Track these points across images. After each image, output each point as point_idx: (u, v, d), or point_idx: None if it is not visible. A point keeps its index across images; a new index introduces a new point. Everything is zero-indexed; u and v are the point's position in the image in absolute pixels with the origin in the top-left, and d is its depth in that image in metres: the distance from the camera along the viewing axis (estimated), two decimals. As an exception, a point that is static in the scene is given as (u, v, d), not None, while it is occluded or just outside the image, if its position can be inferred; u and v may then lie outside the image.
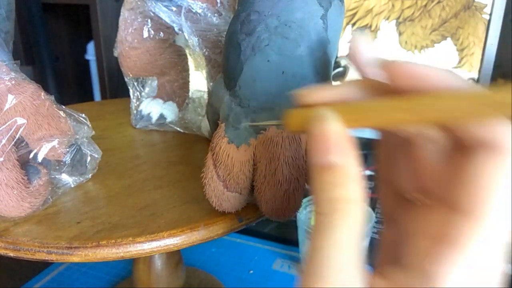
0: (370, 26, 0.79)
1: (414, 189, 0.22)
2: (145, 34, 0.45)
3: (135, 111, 0.49)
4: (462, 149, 0.19)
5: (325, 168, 0.19)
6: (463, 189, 0.18)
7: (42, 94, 0.31)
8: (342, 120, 0.19)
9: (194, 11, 0.41)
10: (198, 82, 0.48)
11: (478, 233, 0.18)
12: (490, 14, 0.72)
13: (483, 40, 0.73)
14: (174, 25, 0.41)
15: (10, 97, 0.29)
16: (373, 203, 0.71)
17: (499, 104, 0.17)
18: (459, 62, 0.75)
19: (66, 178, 0.34)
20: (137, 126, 0.49)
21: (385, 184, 0.24)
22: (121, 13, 0.45)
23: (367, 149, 0.23)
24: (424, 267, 0.18)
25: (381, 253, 0.24)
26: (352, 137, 0.19)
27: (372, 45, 0.23)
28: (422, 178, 0.21)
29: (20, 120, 0.29)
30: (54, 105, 0.32)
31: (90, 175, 0.36)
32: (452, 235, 0.18)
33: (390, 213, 0.24)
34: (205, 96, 0.46)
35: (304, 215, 0.54)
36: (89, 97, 1.28)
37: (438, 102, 0.17)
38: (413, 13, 0.75)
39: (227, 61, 0.27)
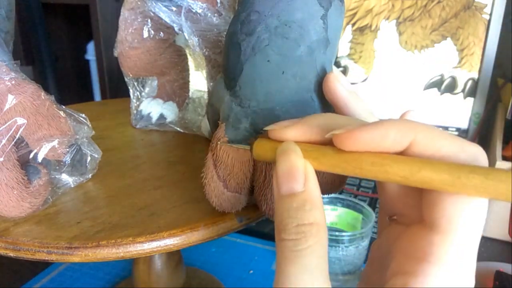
0: (370, 26, 0.79)
1: (390, 211, 0.23)
2: (145, 34, 0.45)
3: (135, 111, 0.49)
4: None
5: (290, 196, 0.20)
6: (435, 209, 0.19)
7: (42, 94, 0.31)
8: (308, 159, 0.21)
9: (194, 11, 0.41)
10: (198, 82, 0.48)
11: (455, 249, 0.19)
12: (490, 14, 0.72)
13: (483, 40, 0.73)
14: (174, 25, 0.41)
15: (10, 97, 0.29)
16: (373, 203, 0.71)
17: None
18: (459, 62, 0.75)
19: (66, 178, 0.34)
20: (137, 126, 0.49)
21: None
22: (121, 13, 0.45)
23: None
24: (405, 284, 0.19)
25: (368, 264, 0.24)
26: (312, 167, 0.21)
27: (345, 82, 0.25)
28: (393, 202, 0.22)
29: (20, 120, 0.29)
30: (54, 105, 0.32)
31: (90, 175, 0.36)
32: (432, 253, 0.19)
33: (380, 228, 0.25)
34: (205, 96, 0.46)
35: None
36: (89, 97, 1.28)
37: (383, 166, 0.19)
38: (413, 13, 0.75)
39: (227, 61, 0.27)
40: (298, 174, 0.20)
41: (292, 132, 0.22)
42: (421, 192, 0.20)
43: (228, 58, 0.27)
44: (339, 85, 0.25)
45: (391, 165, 0.18)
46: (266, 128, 0.23)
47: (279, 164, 0.21)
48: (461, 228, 0.18)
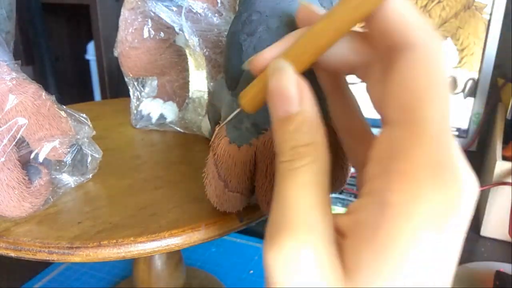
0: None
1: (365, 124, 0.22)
2: (146, 34, 0.45)
3: (135, 111, 0.49)
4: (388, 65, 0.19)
5: (286, 119, 0.19)
6: (396, 102, 0.18)
7: (43, 94, 0.31)
8: (293, 65, 0.20)
9: (194, 11, 0.41)
10: (198, 82, 0.48)
11: (422, 141, 0.17)
12: (490, 14, 0.72)
13: (483, 40, 0.73)
14: (175, 25, 0.41)
15: (11, 97, 0.29)
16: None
17: None
18: (459, 62, 0.75)
19: (67, 178, 0.34)
20: (137, 126, 0.49)
21: (345, 132, 0.24)
22: (121, 13, 0.45)
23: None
24: (374, 189, 0.18)
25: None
26: (306, 82, 0.20)
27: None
28: (377, 110, 0.21)
29: (21, 120, 0.29)
30: (55, 105, 0.32)
31: (90, 175, 0.36)
32: (395, 150, 0.17)
33: (356, 159, 0.24)
34: (205, 96, 0.46)
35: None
36: (89, 97, 1.28)
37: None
38: (413, 13, 0.75)
39: (228, 61, 0.27)
40: (291, 95, 0.19)
41: (270, 50, 0.21)
42: (385, 85, 0.19)
43: (230, 58, 0.27)
44: (312, 13, 0.23)
45: None
46: (244, 65, 0.22)
47: (271, 87, 0.20)
48: (430, 117, 0.17)
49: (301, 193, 0.18)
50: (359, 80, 0.22)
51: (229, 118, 0.26)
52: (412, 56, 0.17)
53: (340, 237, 0.18)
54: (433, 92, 0.17)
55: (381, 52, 0.19)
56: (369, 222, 0.17)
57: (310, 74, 0.22)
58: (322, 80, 0.24)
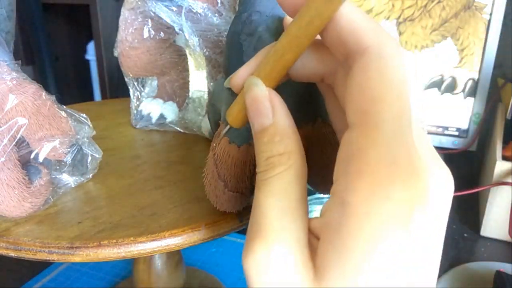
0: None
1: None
2: (146, 34, 0.45)
3: (135, 111, 0.49)
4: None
5: (260, 132, 0.20)
6: (350, 105, 0.18)
7: (43, 94, 0.31)
8: (265, 81, 0.21)
9: (194, 11, 0.41)
10: (198, 82, 0.48)
11: (375, 141, 0.17)
12: (490, 14, 0.72)
13: (483, 40, 0.73)
14: (175, 25, 0.41)
15: (12, 97, 0.29)
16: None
17: None
18: (459, 62, 0.75)
19: (67, 178, 0.34)
20: (137, 126, 0.49)
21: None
22: (122, 13, 0.45)
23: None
24: (336, 191, 0.18)
25: None
26: (279, 97, 0.21)
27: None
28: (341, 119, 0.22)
29: (22, 120, 0.29)
30: (55, 105, 0.32)
31: (90, 175, 0.36)
32: (349, 153, 0.18)
33: None
34: (205, 96, 0.46)
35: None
36: (89, 97, 1.28)
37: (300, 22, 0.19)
38: (413, 13, 0.75)
39: (229, 61, 0.27)
40: (264, 107, 0.20)
41: (244, 69, 0.22)
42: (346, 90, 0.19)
43: (230, 58, 0.27)
44: None
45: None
46: (225, 84, 0.23)
47: (247, 103, 0.21)
48: (371, 116, 0.17)
49: (271, 201, 0.19)
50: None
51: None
52: (364, 60, 0.18)
53: (315, 239, 0.19)
54: (385, 92, 0.17)
55: (341, 59, 0.20)
56: (332, 223, 0.18)
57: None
58: (319, 85, 0.25)
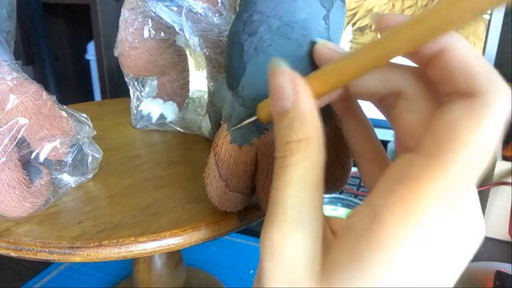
0: (371, 26, 0.79)
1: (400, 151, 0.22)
2: (146, 34, 0.45)
3: (135, 111, 0.49)
4: (438, 102, 0.19)
5: (282, 114, 0.20)
6: (431, 135, 0.18)
7: (44, 94, 0.31)
8: (312, 87, 0.20)
9: (195, 11, 0.41)
10: (199, 82, 0.48)
11: (432, 172, 0.17)
12: (490, 14, 0.72)
13: (483, 40, 0.73)
14: (175, 25, 0.41)
15: (12, 97, 0.29)
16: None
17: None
18: None
19: (67, 178, 0.34)
20: (137, 126, 0.49)
21: (359, 155, 0.25)
22: (122, 13, 0.45)
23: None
24: (372, 202, 0.18)
25: None
26: (304, 81, 0.20)
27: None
28: (401, 140, 0.21)
29: (22, 120, 0.29)
30: (56, 105, 0.32)
31: (91, 175, 0.36)
32: (406, 173, 0.17)
33: (370, 182, 0.25)
34: (205, 96, 0.46)
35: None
36: (89, 97, 1.28)
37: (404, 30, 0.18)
38: (413, 13, 0.75)
39: (229, 61, 0.27)
40: (286, 90, 0.20)
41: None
42: (431, 121, 0.19)
43: (231, 58, 0.27)
44: (329, 50, 0.24)
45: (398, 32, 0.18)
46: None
47: (270, 85, 0.21)
48: (459, 158, 0.17)
49: (289, 190, 0.19)
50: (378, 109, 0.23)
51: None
52: (469, 103, 0.17)
53: (332, 235, 0.19)
54: (473, 143, 0.17)
55: (439, 92, 0.20)
56: (357, 229, 0.18)
57: None
58: (334, 104, 0.25)
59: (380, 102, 0.22)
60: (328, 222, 0.20)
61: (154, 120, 0.48)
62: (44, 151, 0.31)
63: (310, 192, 0.19)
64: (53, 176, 0.32)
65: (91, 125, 0.35)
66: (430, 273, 0.17)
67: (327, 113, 0.26)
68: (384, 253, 0.16)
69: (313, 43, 0.25)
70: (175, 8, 0.41)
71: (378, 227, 0.17)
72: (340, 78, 0.20)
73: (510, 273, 0.51)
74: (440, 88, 0.19)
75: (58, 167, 0.33)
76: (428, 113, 0.20)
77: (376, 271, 0.16)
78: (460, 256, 0.18)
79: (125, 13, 0.45)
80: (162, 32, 0.45)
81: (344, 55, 0.20)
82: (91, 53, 1.20)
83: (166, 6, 0.41)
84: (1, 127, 0.29)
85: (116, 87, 1.07)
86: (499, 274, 0.50)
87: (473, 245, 0.18)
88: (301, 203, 0.19)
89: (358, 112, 0.25)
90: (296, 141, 0.19)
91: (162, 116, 0.48)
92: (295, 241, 0.18)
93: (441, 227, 0.17)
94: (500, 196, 0.62)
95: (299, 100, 0.20)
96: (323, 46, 0.24)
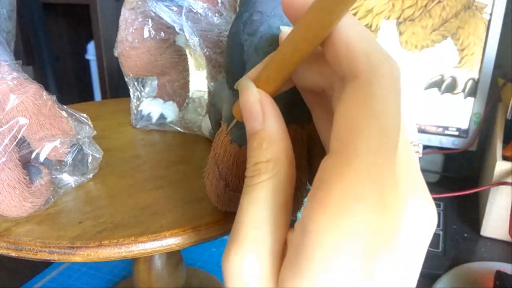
0: (371, 26, 0.79)
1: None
2: (146, 34, 0.45)
3: (135, 111, 0.49)
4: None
5: (252, 135, 0.20)
6: (334, 130, 0.18)
7: (44, 94, 0.31)
8: (262, 86, 0.21)
9: (195, 11, 0.41)
10: (199, 82, 0.48)
11: (340, 171, 0.16)
12: (491, 14, 0.72)
13: (483, 40, 0.73)
14: (175, 25, 0.41)
15: (12, 97, 0.29)
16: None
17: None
18: (459, 62, 0.75)
19: (68, 178, 0.34)
20: (137, 126, 0.49)
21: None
22: (122, 13, 0.45)
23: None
24: (302, 215, 0.18)
25: None
26: (271, 101, 0.21)
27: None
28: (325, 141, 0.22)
29: (22, 120, 0.29)
30: (56, 105, 0.32)
31: (91, 175, 0.36)
32: (319, 179, 0.17)
33: None
34: (206, 96, 0.46)
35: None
36: (89, 97, 1.28)
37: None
38: (413, 13, 0.75)
39: (230, 61, 0.27)
40: (255, 111, 0.20)
41: (251, 73, 0.22)
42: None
43: (231, 58, 0.27)
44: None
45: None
46: (235, 85, 0.23)
47: (240, 106, 0.21)
48: (363, 150, 0.16)
49: (252, 208, 0.19)
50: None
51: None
52: (353, 86, 0.17)
53: None
54: (365, 124, 0.16)
55: (338, 77, 0.19)
56: (294, 244, 0.18)
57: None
58: (304, 95, 0.24)
59: (324, 92, 0.22)
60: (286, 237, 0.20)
61: (154, 120, 0.48)
62: (44, 151, 0.31)
63: (273, 211, 0.19)
64: (53, 176, 0.32)
65: (91, 125, 0.35)
66: (369, 275, 0.16)
67: (307, 118, 0.26)
68: (317, 265, 0.16)
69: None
70: (175, 8, 0.41)
71: (308, 240, 0.16)
72: (280, 74, 0.20)
73: (510, 273, 0.51)
74: (334, 71, 0.19)
75: (58, 167, 0.33)
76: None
77: (313, 283, 0.16)
78: (407, 248, 0.17)
79: (125, 13, 0.45)
80: (162, 32, 0.45)
81: (276, 52, 0.21)
82: (91, 53, 1.20)
83: (166, 6, 0.41)
84: (1, 127, 0.29)
85: (116, 87, 1.07)
86: (499, 274, 0.50)
87: (422, 231, 0.18)
88: (262, 222, 0.19)
89: (325, 103, 0.24)
90: (264, 161, 0.19)
91: (162, 116, 0.48)
92: (252, 262, 0.18)
93: (368, 224, 0.16)
94: (500, 196, 0.62)
95: (266, 121, 0.20)
96: (286, 34, 0.23)
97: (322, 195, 0.16)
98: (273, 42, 0.25)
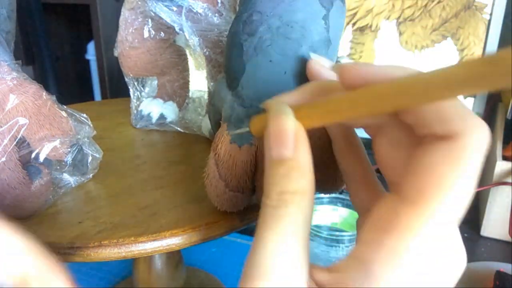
0: (371, 26, 0.79)
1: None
2: (146, 34, 0.45)
3: (135, 111, 0.49)
4: (417, 139, 0.19)
5: (278, 162, 0.19)
6: (413, 179, 0.18)
7: (44, 94, 0.31)
8: (300, 118, 0.20)
9: (195, 11, 0.41)
10: (199, 82, 0.48)
11: (419, 221, 0.17)
12: (491, 14, 0.72)
13: (483, 40, 0.73)
14: (175, 25, 0.41)
15: (12, 97, 0.29)
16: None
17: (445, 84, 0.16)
18: (459, 62, 0.75)
19: (67, 178, 0.34)
20: (137, 126, 0.49)
21: (350, 177, 0.25)
22: (122, 13, 0.45)
23: (367, 149, 0.24)
24: (363, 257, 0.18)
25: None
26: (305, 133, 0.20)
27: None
28: (384, 171, 0.21)
29: (22, 120, 0.29)
30: (56, 105, 0.32)
31: (91, 175, 0.36)
32: (393, 223, 0.17)
33: (359, 204, 0.24)
34: (205, 96, 0.46)
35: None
36: (89, 97, 1.28)
37: (382, 90, 0.17)
38: (413, 13, 0.75)
39: (229, 61, 0.27)
40: (288, 138, 0.19)
41: (286, 98, 0.22)
42: (411, 159, 0.19)
43: (230, 58, 0.27)
44: (322, 67, 0.24)
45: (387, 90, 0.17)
46: (262, 105, 0.22)
47: (269, 127, 0.20)
48: (439, 203, 0.17)
49: (281, 243, 0.18)
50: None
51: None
52: (445, 146, 0.17)
53: None
54: (456, 188, 0.17)
55: (417, 134, 0.19)
56: (350, 285, 0.18)
57: None
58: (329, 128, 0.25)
59: (363, 127, 0.22)
60: (312, 275, 0.19)
61: (154, 120, 0.48)
62: (44, 151, 0.31)
63: (300, 248, 0.18)
64: (53, 176, 0.32)
65: (91, 125, 0.35)
66: None
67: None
68: None
69: (312, 43, 0.25)
70: (175, 8, 0.41)
71: (373, 282, 0.17)
72: (330, 118, 0.20)
73: (510, 273, 0.51)
74: (416, 131, 0.19)
75: (58, 167, 0.33)
76: (407, 149, 0.20)
77: None
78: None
79: (125, 13, 0.45)
80: (162, 32, 0.45)
81: (338, 97, 0.19)
82: (91, 53, 1.20)
83: (166, 6, 0.41)
84: (1, 127, 0.29)
85: (116, 87, 1.07)
86: (499, 274, 0.50)
87: (455, 276, 0.19)
88: (290, 260, 0.18)
89: (348, 132, 0.24)
90: (291, 192, 0.19)
91: (162, 116, 0.48)
92: None
93: (426, 271, 0.17)
94: (500, 196, 0.62)
95: (300, 152, 0.19)
96: (316, 63, 0.24)
97: (396, 244, 0.17)
98: (273, 41, 0.25)
